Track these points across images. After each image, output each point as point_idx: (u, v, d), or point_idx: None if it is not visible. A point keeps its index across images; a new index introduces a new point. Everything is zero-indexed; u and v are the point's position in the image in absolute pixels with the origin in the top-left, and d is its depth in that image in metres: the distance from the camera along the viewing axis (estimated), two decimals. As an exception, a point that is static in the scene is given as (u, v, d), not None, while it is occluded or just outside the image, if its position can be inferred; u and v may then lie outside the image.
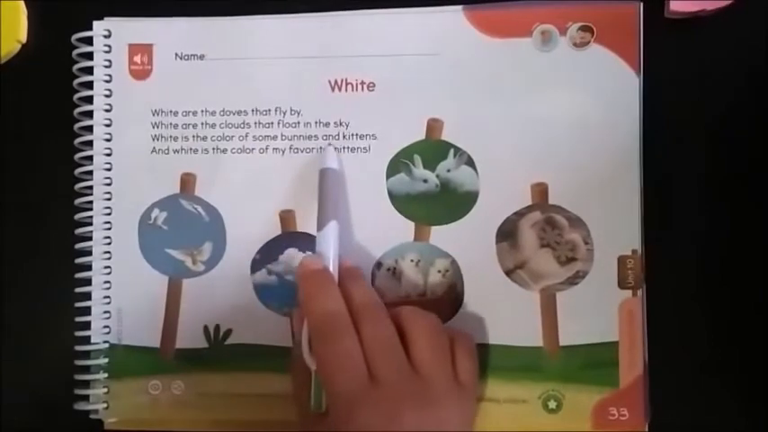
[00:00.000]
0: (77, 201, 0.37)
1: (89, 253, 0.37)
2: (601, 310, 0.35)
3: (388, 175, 0.36)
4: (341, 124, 0.36)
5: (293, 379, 0.34)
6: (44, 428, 0.38)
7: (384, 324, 0.31)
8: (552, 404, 0.35)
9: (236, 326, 0.37)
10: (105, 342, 0.37)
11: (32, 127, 0.38)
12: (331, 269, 0.33)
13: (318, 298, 0.31)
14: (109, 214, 0.37)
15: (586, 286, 0.35)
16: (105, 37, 0.37)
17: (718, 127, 0.36)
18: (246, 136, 0.37)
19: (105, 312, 0.37)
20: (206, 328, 0.37)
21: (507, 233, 0.36)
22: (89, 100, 0.37)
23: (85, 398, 0.37)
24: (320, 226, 0.34)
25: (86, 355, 0.37)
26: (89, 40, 0.37)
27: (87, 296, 0.37)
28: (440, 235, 0.36)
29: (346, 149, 0.36)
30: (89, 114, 0.37)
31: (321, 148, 0.36)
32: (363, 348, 0.30)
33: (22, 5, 0.38)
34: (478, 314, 0.36)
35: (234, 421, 0.36)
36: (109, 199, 0.37)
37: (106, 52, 0.37)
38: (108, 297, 0.37)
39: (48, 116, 0.38)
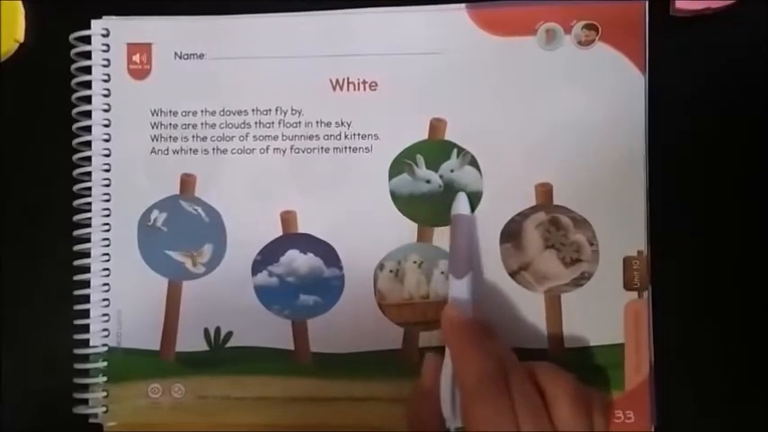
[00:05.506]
0: (76, 202, 0.36)
1: (88, 255, 0.36)
2: (606, 312, 0.35)
3: (391, 176, 0.36)
4: (342, 124, 0.36)
5: (413, 423, 0.34)
6: (43, 432, 0.38)
7: (529, 382, 0.30)
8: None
9: (236, 328, 0.36)
10: (104, 345, 0.36)
11: (30, 127, 0.38)
12: None
13: (473, 355, 0.31)
14: (108, 216, 0.37)
15: (592, 288, 0.35)
16: (104, 36, 0.37)
17: (724, 126, 0.36)
18: (247, 136, 0.36)
19: (104, 315, 0.36)
20: (206, 331, 0.36)
21: (511, 234, 0.35)
22: (87, 100, 0.37)
23: (85, 401, 0.36)
24: (458, 274, 0.33)
25: (85, 358, 0.36)
26: (87, 40, 0.37)
27: (86, 299, 0.36)
28: (443, 236, 0.35)
29: (348, 149, 0.36)
30: (87, 114, 0.36)
31: (323, 148, 0.36)
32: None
33: (20, 5, 0.37)
34: (482, 316, 0.35)
35: (234, 425, 0.36)
36: (108, 200, 0.37)
37: (105, 51, 0.37)
38: (107, 299, 0.36)
39: (46, 116, 0.37)
